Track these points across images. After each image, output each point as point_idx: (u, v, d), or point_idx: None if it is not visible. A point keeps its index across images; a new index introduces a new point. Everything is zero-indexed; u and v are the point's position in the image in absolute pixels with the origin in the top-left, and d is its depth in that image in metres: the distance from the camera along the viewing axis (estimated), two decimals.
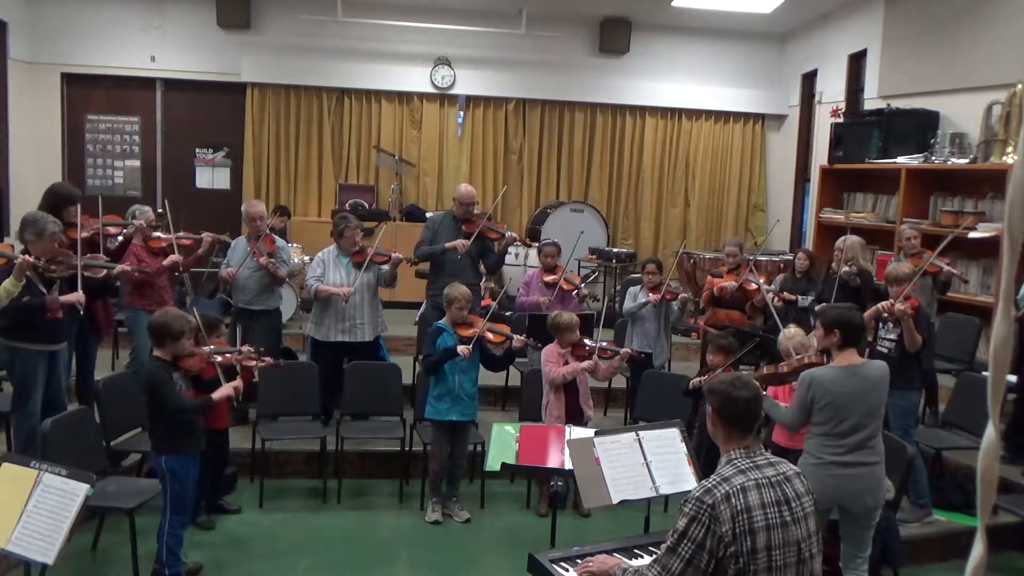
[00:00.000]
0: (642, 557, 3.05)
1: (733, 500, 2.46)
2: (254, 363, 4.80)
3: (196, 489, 4.50)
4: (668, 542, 2.52)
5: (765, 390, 4.32)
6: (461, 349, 5.08)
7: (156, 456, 4.19)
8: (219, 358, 4.46)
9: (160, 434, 4.19)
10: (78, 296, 4.75)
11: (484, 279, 7.13)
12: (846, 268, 6.04)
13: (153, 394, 4.13)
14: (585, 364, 5.30)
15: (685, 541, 2.47)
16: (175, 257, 5.82)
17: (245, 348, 4.81)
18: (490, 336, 5.30)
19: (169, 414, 4.13)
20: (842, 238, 6.33)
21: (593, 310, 6.73)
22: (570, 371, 5.29)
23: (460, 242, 6.18)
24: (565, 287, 6.49)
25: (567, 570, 3.04)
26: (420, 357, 5.56)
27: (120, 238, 5.85)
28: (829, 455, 3.80)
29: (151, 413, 4.23)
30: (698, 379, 5.12)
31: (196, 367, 4.34)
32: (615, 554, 2.98)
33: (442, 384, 5.21)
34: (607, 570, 2.79)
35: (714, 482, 2.52)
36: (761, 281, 6.44)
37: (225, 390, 4.30)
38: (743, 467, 2.55)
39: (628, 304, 6.42)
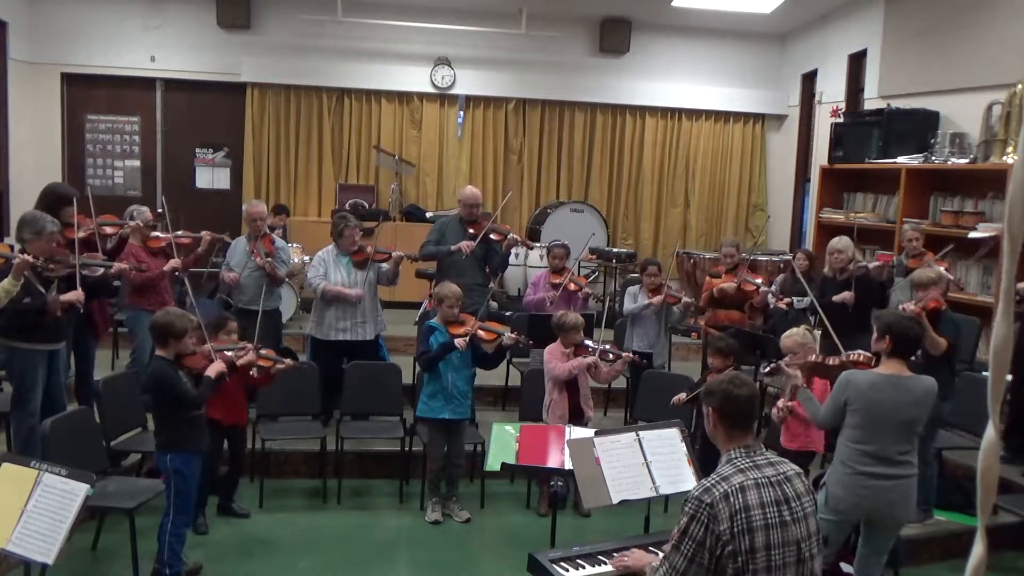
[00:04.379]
0: None
1: (731, 499, 2.47)
2: (270, 365, 4.80)
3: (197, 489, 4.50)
4: (672, 540, 2.55)
5: (809, 383, 4.30)
6: (458, 341, 5.10)
7: (161, 455, 4.20)
8: (220, 356, 4.46)
9: (166, 433, 4.19)
10: (78, 295, 4.76)
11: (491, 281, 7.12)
12: (875, 263, 6.04)
13: (162, 391, 4.13)
14: (589, 360, 5.31)
15: (687, 539, 2.50)
16: (174, 262, 5.82)
17: (248, 345, 4.79)
18: (482, 334, 5.31)
19: (176, 412, 4.14)
20: (836, 239, 6.13)
21: (594, 310, 6.73)
22: (575, 366, 5.29)
23: (466, 243, 6.20)
24: (571, 288, 6.51)
25: (567, 570, 3.04)
26: (416, 356, 5.56)
27: (117, 237, 5.85)
28: (860, 466, 3.71)
29: (157, 412, 4.24)
30: (680, 395, 5.17)
31: (198, 365, 4.34)
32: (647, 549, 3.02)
33: (435, 382, 5.21)
34: (642, 567, 2.82)
35: (713, 481, 2.54)
36: (759, 281, 6.43)
37: (216, 367, 4.26)
38: (743, 466, 2.56)
39: (628, 305, 6.43)
